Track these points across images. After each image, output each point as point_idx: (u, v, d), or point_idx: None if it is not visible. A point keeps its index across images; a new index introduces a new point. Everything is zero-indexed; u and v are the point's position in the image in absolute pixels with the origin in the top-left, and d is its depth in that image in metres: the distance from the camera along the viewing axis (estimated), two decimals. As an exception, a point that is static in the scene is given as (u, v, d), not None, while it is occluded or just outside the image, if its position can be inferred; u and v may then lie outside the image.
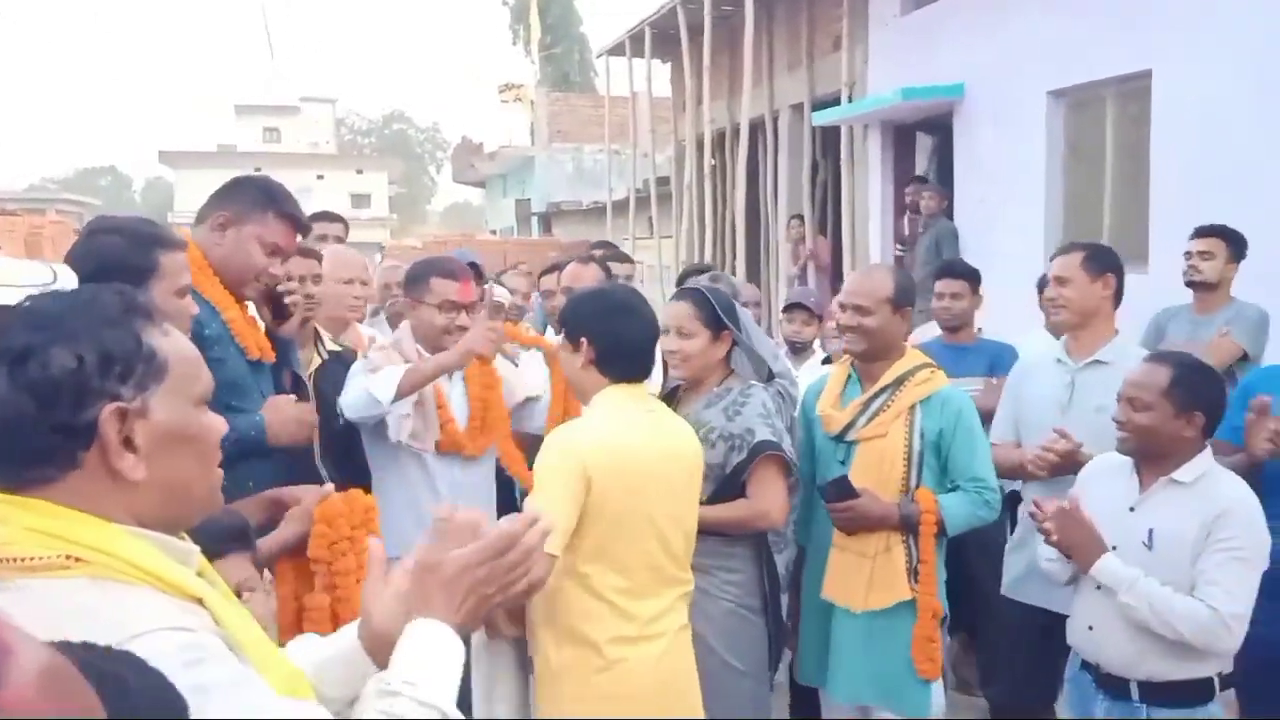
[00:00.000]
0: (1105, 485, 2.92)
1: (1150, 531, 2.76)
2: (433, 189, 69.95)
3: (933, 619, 3.09)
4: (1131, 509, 2.82)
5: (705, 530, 2.90)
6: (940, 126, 9.84)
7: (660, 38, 14.69)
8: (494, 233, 29.75)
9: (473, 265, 4.21)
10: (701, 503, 2.97)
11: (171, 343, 1.24)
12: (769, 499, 3.01)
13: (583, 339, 2.66)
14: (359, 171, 51.49)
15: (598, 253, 4.98)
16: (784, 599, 3.24)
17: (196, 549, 1.29)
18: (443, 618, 1.35)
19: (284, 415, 2.73)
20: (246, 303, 2.90)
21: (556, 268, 4.85)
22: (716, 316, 3.13)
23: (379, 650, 1.38)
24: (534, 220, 25.79)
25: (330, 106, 54.86)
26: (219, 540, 1.85)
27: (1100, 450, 3.06)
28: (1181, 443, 2.77)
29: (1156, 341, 4.49)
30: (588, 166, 23.89)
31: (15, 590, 1.09)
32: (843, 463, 3.20)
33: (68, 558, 1.12)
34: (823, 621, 3.25)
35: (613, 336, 2.66)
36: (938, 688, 3.12)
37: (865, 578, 3.12)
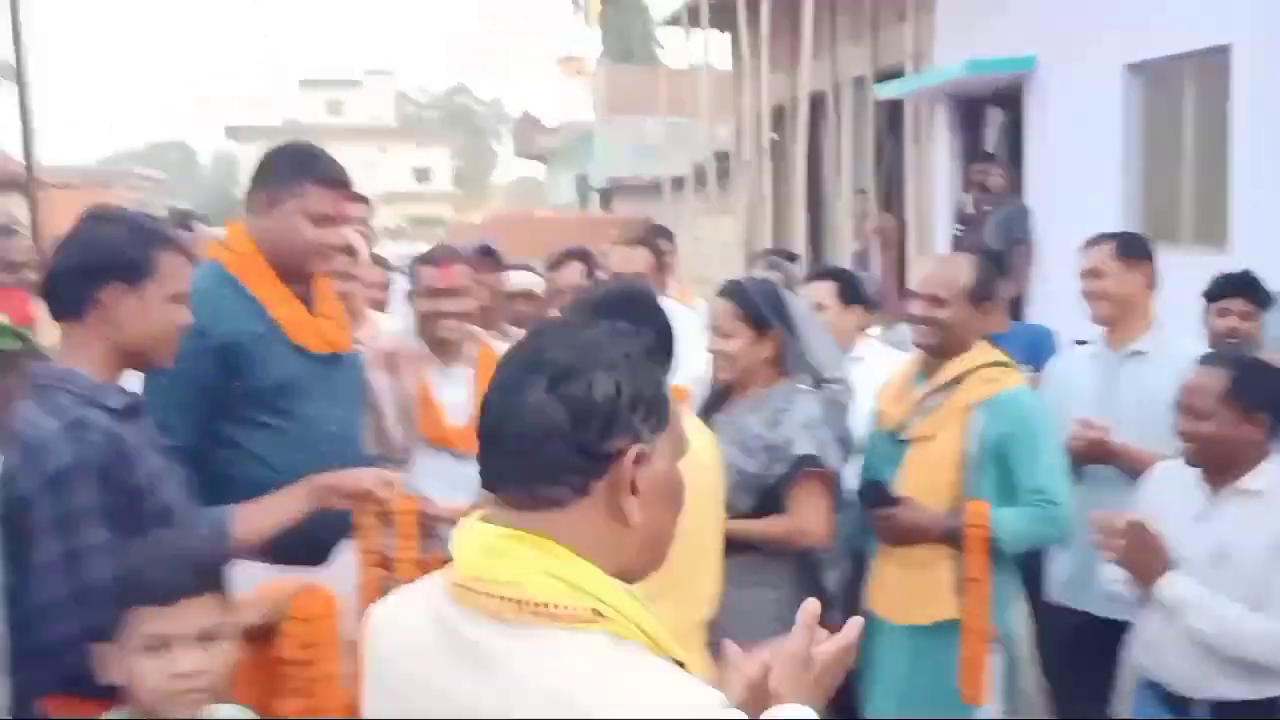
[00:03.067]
0: (1168, 494, 2.73)
1: (1219, 544, 2.57)
2: (495, 163, 70.09)
3: (980, 642, 2.84)
4: (1197, 519, 2.63)
5: (744, 544, 2.74)
6: (1010, 100, 9.49)
7: (719, 7, 14.37)
8: (555, 209, 29.71)
9: (486, 250, 3.98)
10: (742, 515, 2.81)
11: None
12: (808, 517, 2.83)
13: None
14: (421, 145, 51.72)
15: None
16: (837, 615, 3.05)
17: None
18: (806, 701, 1.35)
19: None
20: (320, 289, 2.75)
21: (564, 261, 4.26)
22: (761, 314, 2.90)
23: None
24: (595, 196, 25.64)
25: (392, 80, 55.15)
26: (191, 577, 1.72)
27: (1141, 443, 2.94)
28: (1248, 447, 2.59)
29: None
30: (649, 141, 23.63)
31: (537, 638, 1.11)
32: (894, 463, 2.98)
33: (594, 611, 1.13)
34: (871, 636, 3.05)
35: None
36: (986, 712, 2.88)
37: (909, 591, 2.91)
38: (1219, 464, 2.64)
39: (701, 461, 2.42)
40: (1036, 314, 4.46)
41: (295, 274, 2.65)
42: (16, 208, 14.34)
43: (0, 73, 21.31)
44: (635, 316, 2.05)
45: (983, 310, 2.99)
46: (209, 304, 2.52)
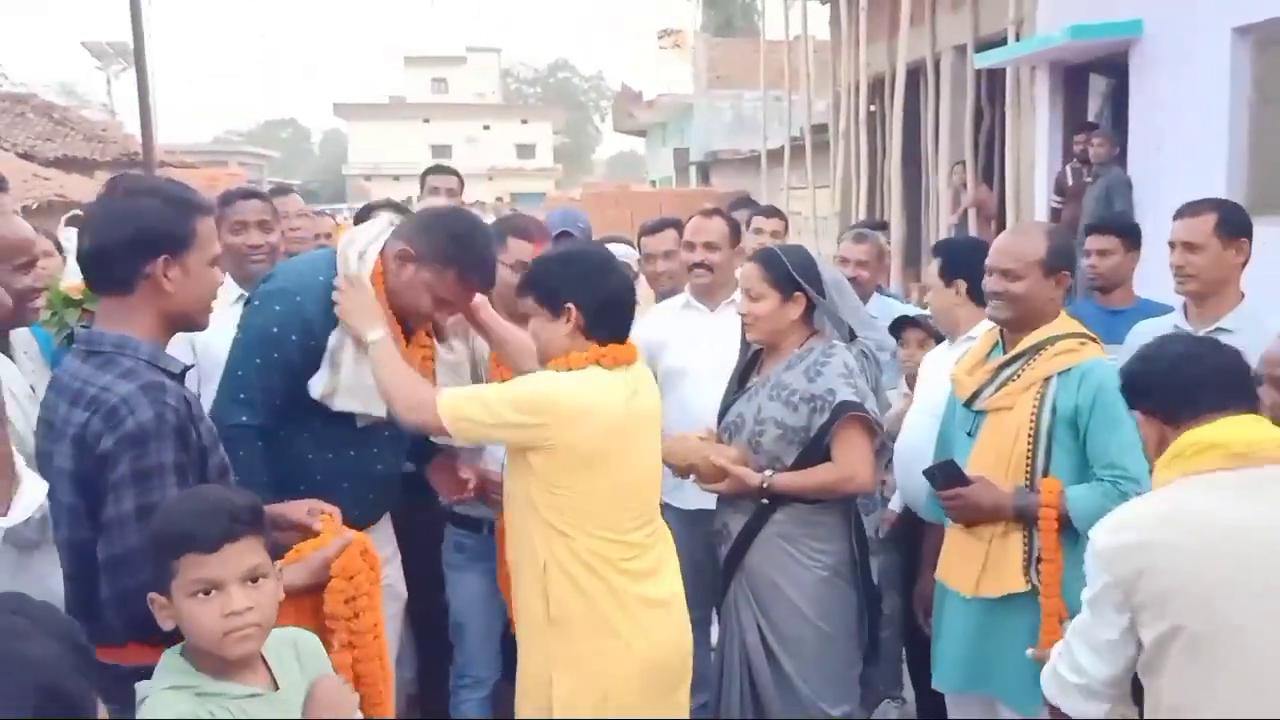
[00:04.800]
0: None
1: None
2: (597, 138, 70.33)
3: (1059, 623, 2.75)
4: None
5: (794, 497, 2.91)
6: (1115, 68, 9.19)
7: (819, -22, 14.21)
8: (652, 183, 29.72)
9: (565, 234, 4.05)
10: (787, 468, 2.95)
11: None
12: (854, 461, 2.94)
13: (569, 304, 2.53)
14: (524, 122, 52.15)
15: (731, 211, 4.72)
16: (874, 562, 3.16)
17: None
18: None
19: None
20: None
21: (660, 227, 4.44)
22: (788, 277, 3.01)
23: None
24: (692, 170, 25.59)
25: (495, 56, 55.65)
26: (230, 523, 1.79)
27: None
28: None
29: None
30: (747, 114, 23.46)
31: None
32: (970, 433, 2.96)
33: None
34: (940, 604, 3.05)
35: (600, 295, 2.56)
36: None
37: (979, 562, 2.88)
38: None
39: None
40: (1136, 288, 4.28)
41: (397, 315, 2.73)
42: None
43: (121, 54, 22.19)
44: None
45: (1057, 281, 2.92)
46: (326, 307, 2.65)
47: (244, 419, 2.61)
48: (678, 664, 2.69)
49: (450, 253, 2.66)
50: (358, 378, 2.66)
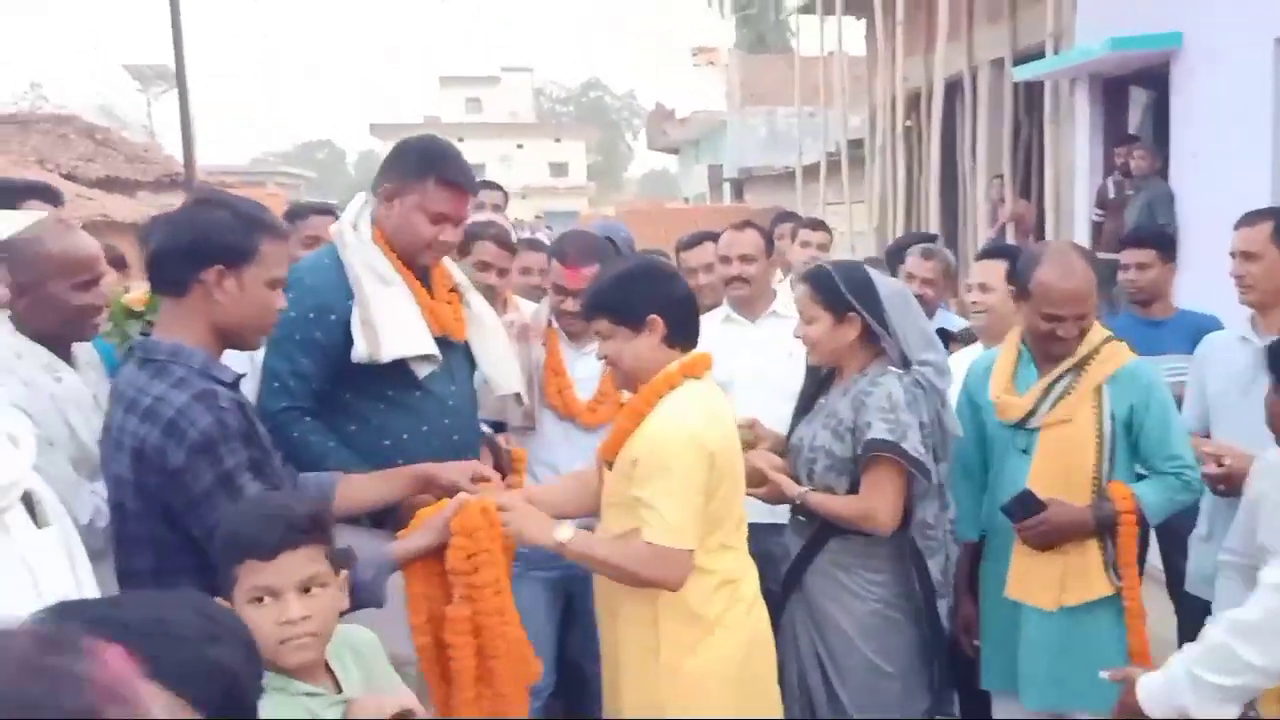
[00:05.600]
0: None
1: None
2: (629, 156, 70.56)
3: (1141, 622, 2.88)
4: None
5: (830, 521, 2.90)
6: (1155, 80, 9.12)
7: (854, -7, 14.22)
8: (686, 200, 29.75)
9: (610, 241, 4.03)
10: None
11: None
12: (875, 501, 2.84)
13: (654, 316, 2.51)
14: (557, 140, 52.42)
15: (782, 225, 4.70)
16: (943, 604, 3.00)
17: None
18: None
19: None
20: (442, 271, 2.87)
21: (697, 241, 4.41)
22: (841, 298, 2.89)
23: None
24: (726, 186, 25.60)
25: (529, 75, 56.04)
26: (287, 531, 1.80)
27: None
28: None
29: None
30: (781, 130, 23.47)
31: None
32: (1025, 451, 2.97)
33: None
34: (1008, 622, 3.02)
35: (680, 302, 2.57)
36: None
37: (1057, 574, 2.89)
38: None
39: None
40: (1182, 301, 4.26)
41: (409, 263, 2.76)
42: (177, 205, 15.14)
43: (161, 76, 22.55)
44: None
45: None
46: (337, 279, 2.69)
47: (284, 404, 2.63)
48: (769, 657, 2.72)
49: (422, 165, 2.70)
50: (393, 319, 2.66)
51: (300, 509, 1.87)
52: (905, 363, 2.91)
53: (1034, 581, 2.94)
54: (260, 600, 1.79)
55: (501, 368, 3.04)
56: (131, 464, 2.01)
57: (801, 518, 2.99)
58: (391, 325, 2.65)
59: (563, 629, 3.47)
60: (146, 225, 4.97)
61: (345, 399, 2.71)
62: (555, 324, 3.43)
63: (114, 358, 2.99)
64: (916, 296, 4.35)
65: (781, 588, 3.05)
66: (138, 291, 3.02)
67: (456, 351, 2.88)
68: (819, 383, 3.10)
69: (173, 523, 2.04)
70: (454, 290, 2.94)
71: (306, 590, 1.82)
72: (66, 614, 1.10)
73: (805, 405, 3.11)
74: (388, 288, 2.69)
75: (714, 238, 4.32)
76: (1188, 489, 2.92)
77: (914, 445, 2.79)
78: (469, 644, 2.25)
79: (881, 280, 3.00)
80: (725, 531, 2.56)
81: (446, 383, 2.81)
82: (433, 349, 2.70)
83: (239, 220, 2.14)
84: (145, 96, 26.04)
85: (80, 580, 1.66)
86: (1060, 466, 2.89)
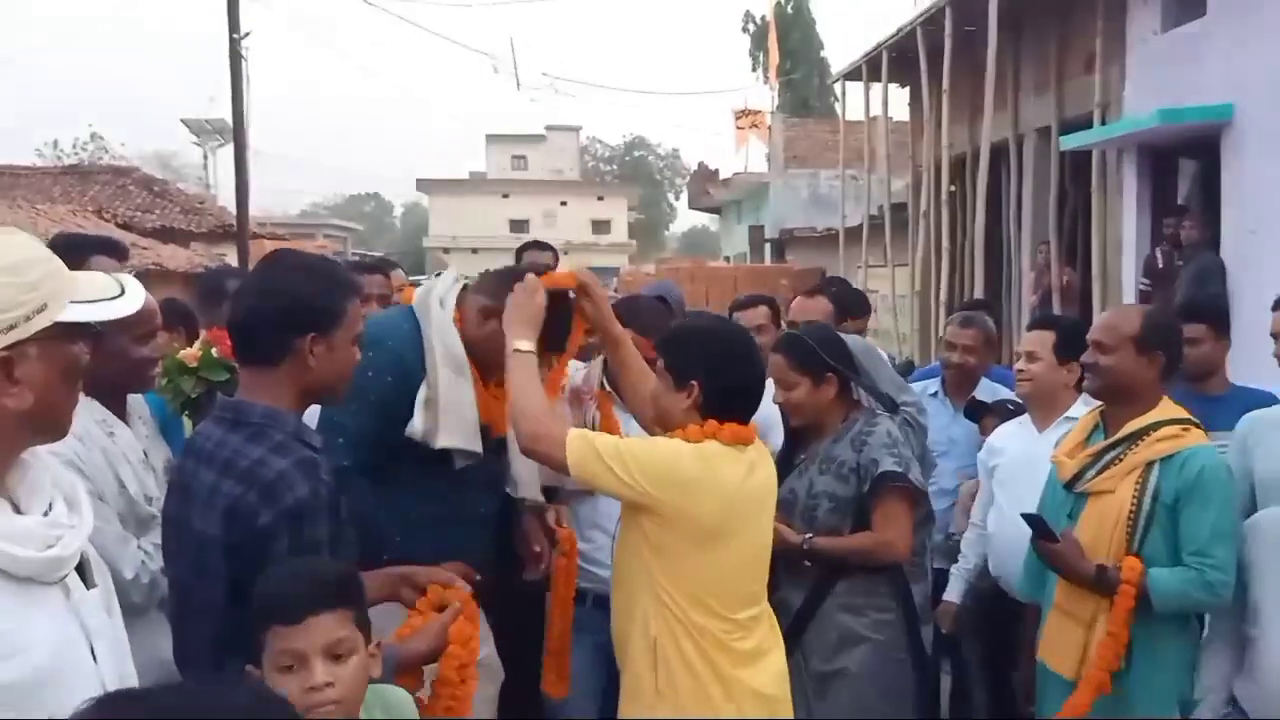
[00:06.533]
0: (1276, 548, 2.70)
1: None
2: (671, 215, 70.97)
3: (1092, 692, 2.80)
4: None
5: (837, 562, 2.99)
6: (1205, 150, 9.07)
7: (899, 60, 14.29)
8: (727, 259, 29.83)
9: (662, 299, 4.03)
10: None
11: None
12: (892, 530, 3.00)
13: (693, 381, 2.51)
14: (600, 198, 52.84)
15: (830, 288, 4.66)
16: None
17: None
18: None
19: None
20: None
21: (752, 304, 4.42)
22: (817, 360, 3.07)
23: None
24: (767, 247, 25.67)
25: (575, 135, 56.69)
26: (313, 594, 1.77)
27: None
28: None
29: None
30: (823, 192, 23.56)
31: None
32: (1070, 515, 2.96)
33: None
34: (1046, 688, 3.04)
35: (726, 379, 2.53)
36: None
37: (1079, 645, 2.87)
38: None
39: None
40: (1234, 375, 4.18)
41: (477, 362, 2.79)
42: (229, 255, 15.42)
43: (218, 130, 23.07)
44: None
45: (1151, 360, 2.94)
46: (416, 350, 2.72)
47: (345, 463, 2.60)
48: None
49: None
50: (457, 411, 2.68)
51: (328, 572, 1.85)
52: (893, 405, 3.15)
53: (1058, 649, 2.94)
54: (289, 668, 1.75)
55: (527, 471, 3.05)
56: (223, 522, 1.98)
57: (807, 563, 3.05)
58: (454, 415, 2.69)
59: (609, 694, 3.43)
60: (202, 280, 5.05)
61: (372, 455, 2.72)
62: (607, 386, 3.42)
63: (164, 411, 3.02)
64: (958, 365, 4.35)
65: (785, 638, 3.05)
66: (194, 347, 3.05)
67: (500, 457, 2.93)
68: (795, 442, 3.25)
69: (240, 591, 2.01)
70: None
71: (336, 657, 1.77)
72: (121, 705, 1.07)
73: (786, 462, 3.19)
74: (457, 376, 2.72)
75: (769, 301, 4.33)
76: (1208, 590, 2.74)
77: (916, 476, 3.05)
78: None
79: (846, 337, 3.23)
80: (720, 603, 2.51)
81: (484, 491, 2.88)
82: (479, 448, 2.73)
83: (328, 284, 2.13)
84: (203, 149, 26.61)
85: (118, 640, 1.65)
86: (1095, 535, 2.88)
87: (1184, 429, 2.89)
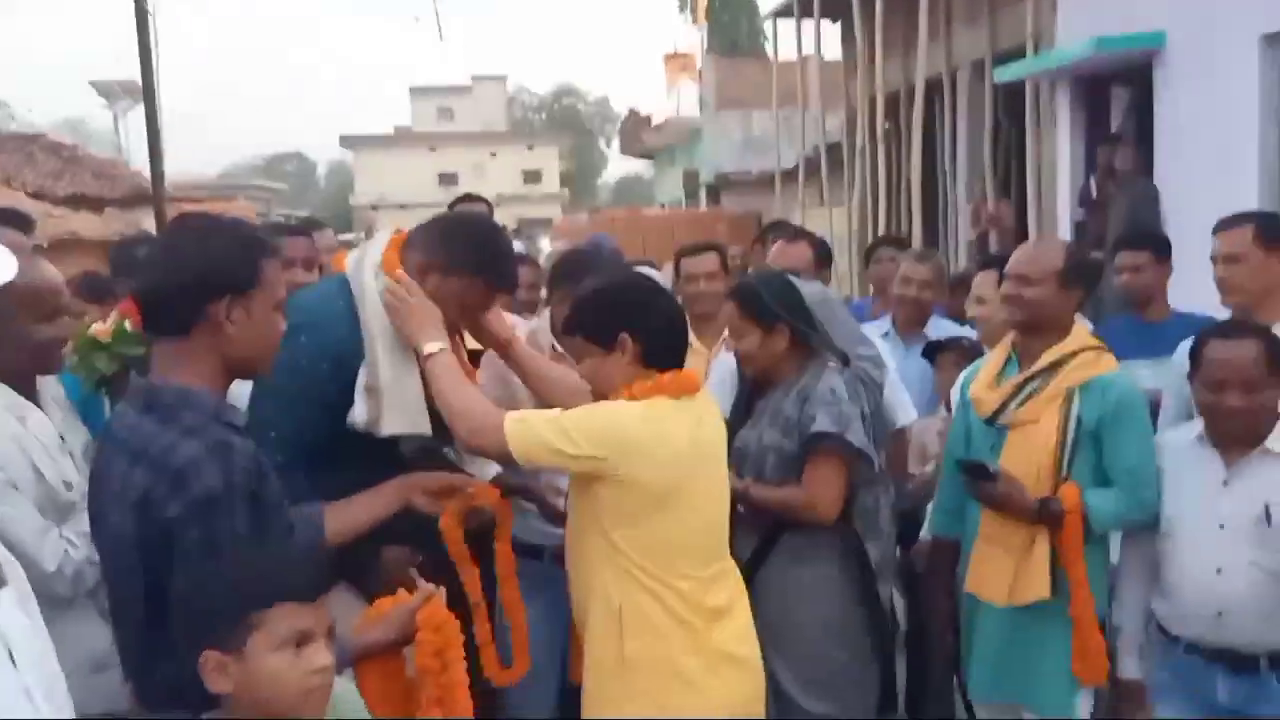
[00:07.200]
0: (1183, 464, 2.82)
1: (1267, 506, 2.63)
2: (603, 163, 70.49)
3: (1089, 625, 2.86)
4: (1225, 484, 2.71)
5: (757, 508, 2.95)
6: (1138, 79, 9.08)
7: (830, -4, 14.15)
8: (662, 206, 29.69)
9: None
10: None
11: None
12: (818, 491, 2.92)
13: (622, 335, 2.41)
14: (530, 148, 52.29)
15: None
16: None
17: None
18: None
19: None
20: None
21: (700, 249, 4.23)
22: (767, 310, 2.98)
23: None
24: (702, 191, 25.54)
25: (501, 84, 55.93)
26: (323, 573, 1.75)
27: None
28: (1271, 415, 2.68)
29: None
30: (757, 135, 23.41)
31: None
32: (993, 448, 3.00)
33: None
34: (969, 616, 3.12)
35: (653, 320, 2.46)
36: (1088, 693, 2.93)
37: (1009, 572, 2.92)
38: (1244, 433, 2.70)
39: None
40: (1171, 300, 4.23)
41: None
42: (145, 221, 14.93)
43: (128, 92, 22.26)
44: None
45: (1072, 293, 3.01)
46: (351, 330, 2.53)
47: (279, 459, 2.45)
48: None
49: (477, 261, 2.59)
50: (400, 394, 2.53)
51: (322, 555, 1.84)
52: (845, 359, 3.05)
53: (988, 577, 2.98)
54: (294, 646, 1.67)
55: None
56: (135, 517, 1.85)
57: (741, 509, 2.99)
58: (397, 399, 2.52)
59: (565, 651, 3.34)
60: (115, 250, 4.81)
61: (310, 445, 2.54)
62: (558, 347, 3.27)
63: (80, 392, 2.84)
64: (913, 300, 4.30)
65: None
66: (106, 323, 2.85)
67: None
68: (750, 390, 3.19)
69: (157, 592, 1.87)
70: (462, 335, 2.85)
71: (327, 640, 1.73)
72: None
73: (743, 411, 3.15)
74: (398, 353, 2.55)
75: (718, 247, 4.21)
76: (1140, 508, 2.86)
77: (857, 435, 2.91)
78: None
79: (803, 285, 3.12)
80: (685, 561, 2.45)
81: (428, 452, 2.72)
82: (427, 429, 2.57)
83: (240, 244, 1.98)
84: (112, 112, 25.67)
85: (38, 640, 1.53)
86: (1022, 466, 2.91)
87: (1099, 354, 2.97)
